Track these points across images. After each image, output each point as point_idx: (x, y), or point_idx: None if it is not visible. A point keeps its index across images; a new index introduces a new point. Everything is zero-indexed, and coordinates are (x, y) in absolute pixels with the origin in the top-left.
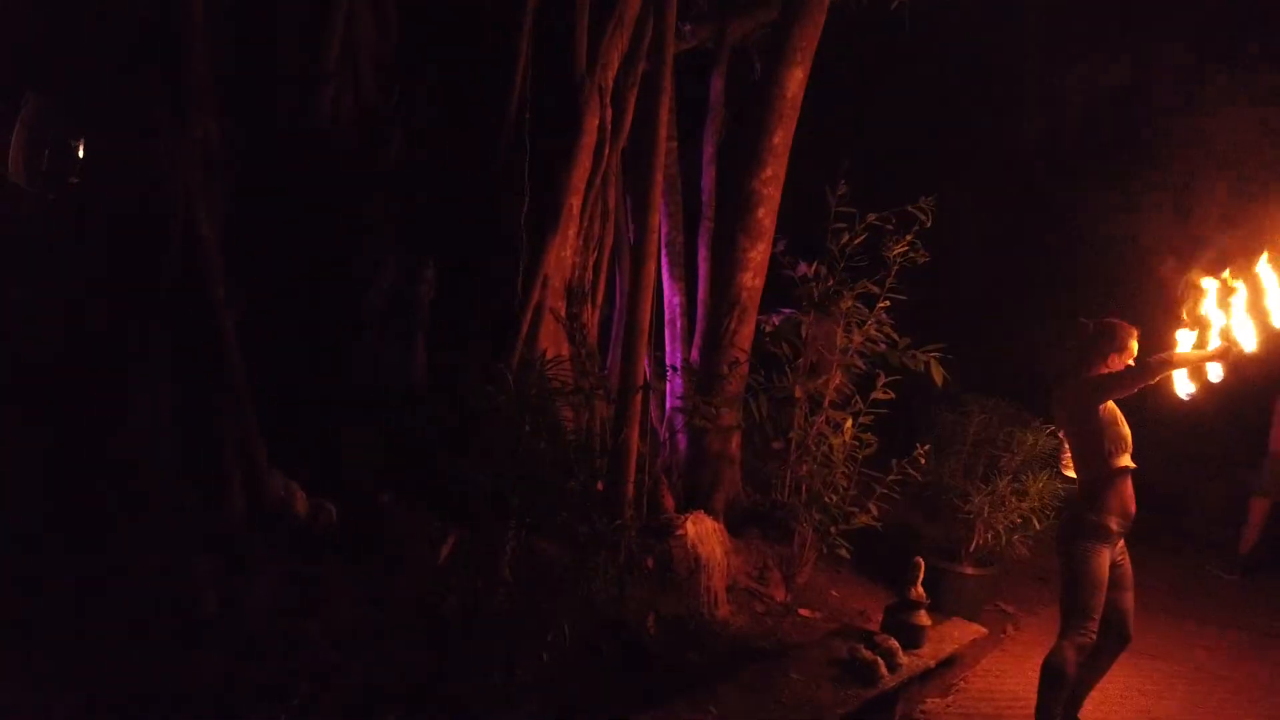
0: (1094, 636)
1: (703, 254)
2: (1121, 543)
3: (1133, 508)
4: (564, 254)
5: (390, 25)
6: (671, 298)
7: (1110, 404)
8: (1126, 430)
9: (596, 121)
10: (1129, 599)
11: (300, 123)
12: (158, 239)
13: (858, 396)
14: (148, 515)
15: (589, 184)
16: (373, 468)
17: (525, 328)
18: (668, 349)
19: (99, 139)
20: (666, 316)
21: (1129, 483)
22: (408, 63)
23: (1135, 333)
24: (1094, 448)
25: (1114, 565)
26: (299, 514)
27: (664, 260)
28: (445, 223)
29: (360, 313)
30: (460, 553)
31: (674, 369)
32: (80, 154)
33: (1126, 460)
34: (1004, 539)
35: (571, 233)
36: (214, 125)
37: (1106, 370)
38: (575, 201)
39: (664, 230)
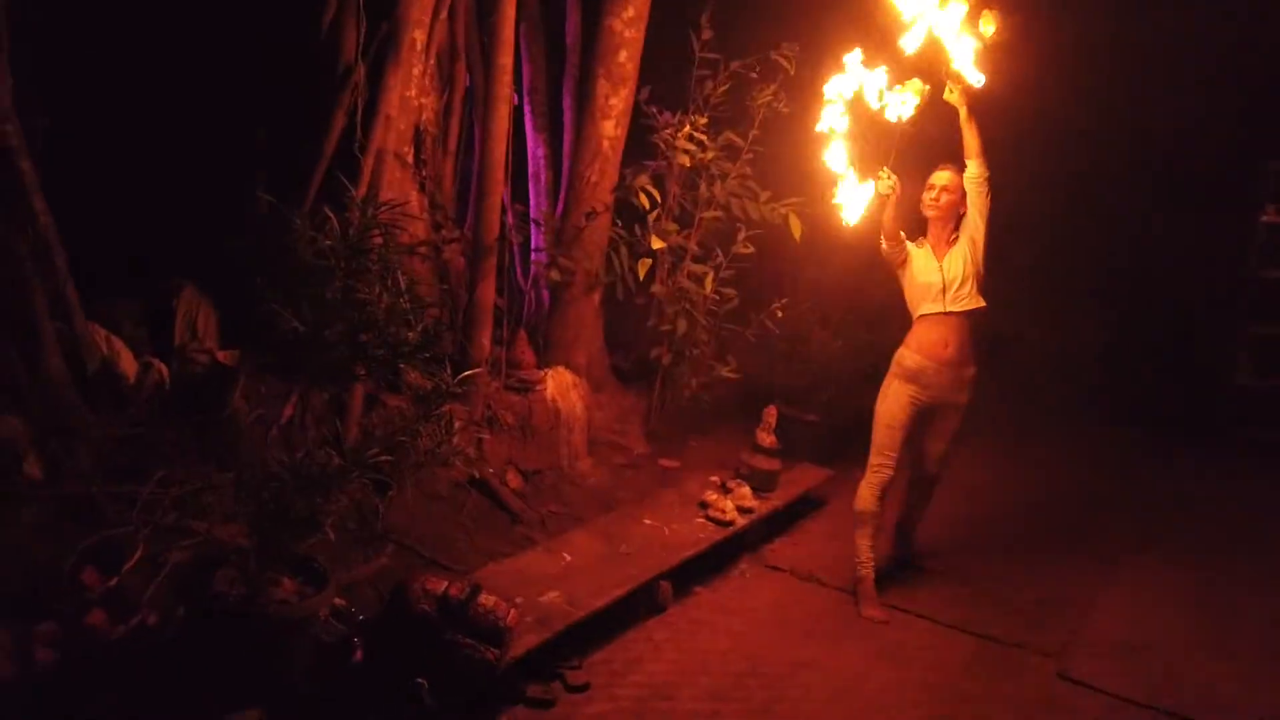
0: (889, 471)
1: (567, 102)
2: (950, 399)
3: (942, 351)
4: (408, 93)
5: None
6: (535, 149)
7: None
8: (936, 279)
9: None
10: (937, 447)
11: None
12: None
13: (719, 250)
14: None
15: (434, 16)
16: (210, 324)
17: (367, 173)
18: (532, 203)
19: None
20: (530, 169)
21: (934, 327)
22: None
23: (929, 181)
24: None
25: (931, 412)
26: (124, 374)
27: (527, 109)
28: (280, 59)
29: (192, 153)
30: (304, 411)
31: (536, 223)
32: None
33: (927, 308)
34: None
35: (416, 71)
36: None
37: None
38: (419, 36)
39: (527, 76)
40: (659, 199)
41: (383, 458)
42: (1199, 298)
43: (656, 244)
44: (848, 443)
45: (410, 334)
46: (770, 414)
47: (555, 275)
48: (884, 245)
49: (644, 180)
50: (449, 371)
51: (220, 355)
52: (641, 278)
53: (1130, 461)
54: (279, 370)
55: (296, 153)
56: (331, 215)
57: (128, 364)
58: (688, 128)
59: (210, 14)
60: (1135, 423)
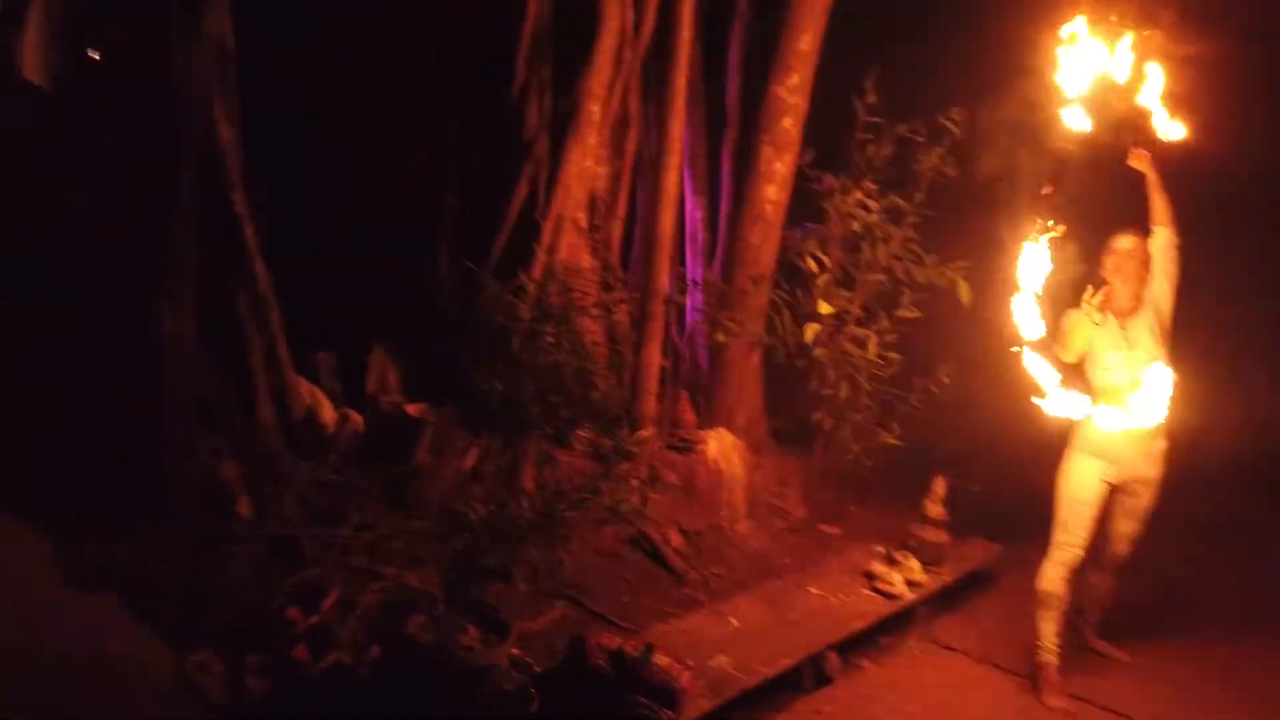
0: (1077, 552)
1: (726, 166)
2: (1140, 474)
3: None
4: (585, 163)
5: None
6: (693, 211)
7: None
8: (1120, 348)
9: (617, 24)
10: (1126, 527)
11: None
12: (176, 144)
13: (882, 313)
14: (176, 423)
15: (610, 89)
16: (399, 378)
17: (547, 238)
18: (689, 263)
19: (113, 38)
20: (688, 231)
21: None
22: None
23: (1112, 246)
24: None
25: (1119, 488)
26: (325, 424)
27: (686, 172)
28: (468, 131)
29: (384, 219)
30: (484, 463)
31: (695, 283)
32: (91, 54)
33: (1111, 378)
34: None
35: (593, 141)
36: (228, 21)
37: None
38: (595, 108)
39: (686, 140)
40: (827, 264)
41: (569, 513)
42: None
43: (824, 309)
44: (1019, 516)
45: (594, 395)
46: (939, 484)
47: (720, 337)
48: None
49: (812, 245)
50: (625, 431)
51: (409, 408)
52: (809, 342)
53: None
54: (461, 422)
55: (481, 219)
56: (524, 279)
57: (327, 414)
58: (858, 193)
59: (403, 92)
60: None
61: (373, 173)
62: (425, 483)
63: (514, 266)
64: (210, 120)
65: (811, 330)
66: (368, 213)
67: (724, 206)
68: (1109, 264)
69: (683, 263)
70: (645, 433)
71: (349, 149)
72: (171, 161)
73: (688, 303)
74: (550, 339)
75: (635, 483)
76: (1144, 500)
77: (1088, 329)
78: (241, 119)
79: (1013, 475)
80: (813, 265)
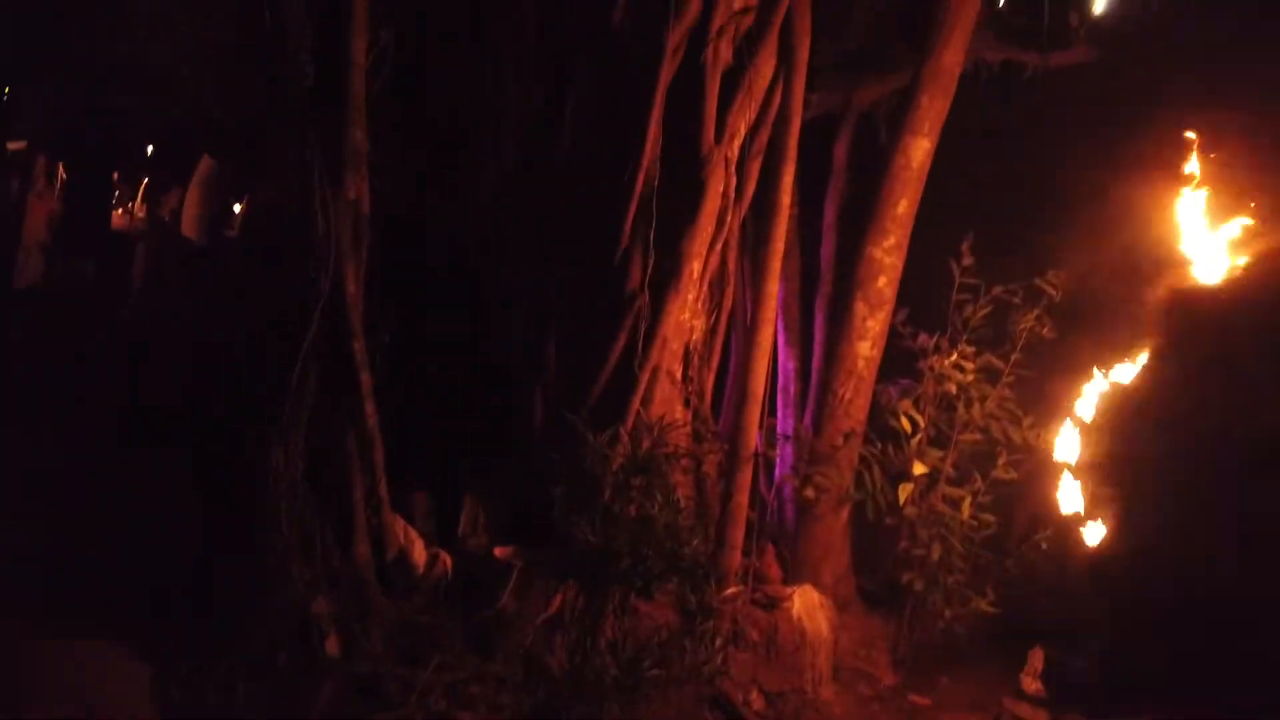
0: None
1: (819, 320)
2: None
3: None
4: (683, 317)
5: (534, 95)
6: (786, 363)
7: None
8: None
9: (720, 189)
10: None
11: (444, 187)
12: (310, 295)
13: (977, 474)
14: (274, 555)
15: (710, 248)
16: (489, 520)
17: (642, 388)
18: (779, 415)
19: (262, 196)
20: (779, 383)
21: None
22: (545, 131)
23: None
24: None
25: None
26: (416, 563)
27: (780, 325)
28: (573, 283)
29: (487, 368)
30: (568, 610)
31: (786, 437)
32: (237, 210)
33: None
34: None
35: (691, 296)
36: (365, 187)
37: None
38: (696, 266)
39: (781, 295)
40: (921, 423)
41: (652, 671)
42: None
43: (919, 469)
44: (1125, 696)
45: (685, 550)
46: (1036, 657)
47: (810, 493)
48: None
49: (907, 405)
50: (713, 588)
51: (497, 551)
52: (902, 502)
53: None
54: (548, 569)
55: (580, 369)
56: (623, 434)
57: (419, 554)
58: (955, 355)
59: (509, 243)
60: None
61: (480, 320)
62: (509, 627)
63: (610, 416)
64: (341, 276)
65: (905, 489)
66: (472, 357)
67: (816, 360)
68: None
69: (774, 414)
70: (732, 590)
71: (459, 298)
72: (304, 310)
73: (777, 456)
74: (640, 490)
75: (718, 641)
76: None
77: None
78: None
79: (1124, 654)
80: (905, 424)
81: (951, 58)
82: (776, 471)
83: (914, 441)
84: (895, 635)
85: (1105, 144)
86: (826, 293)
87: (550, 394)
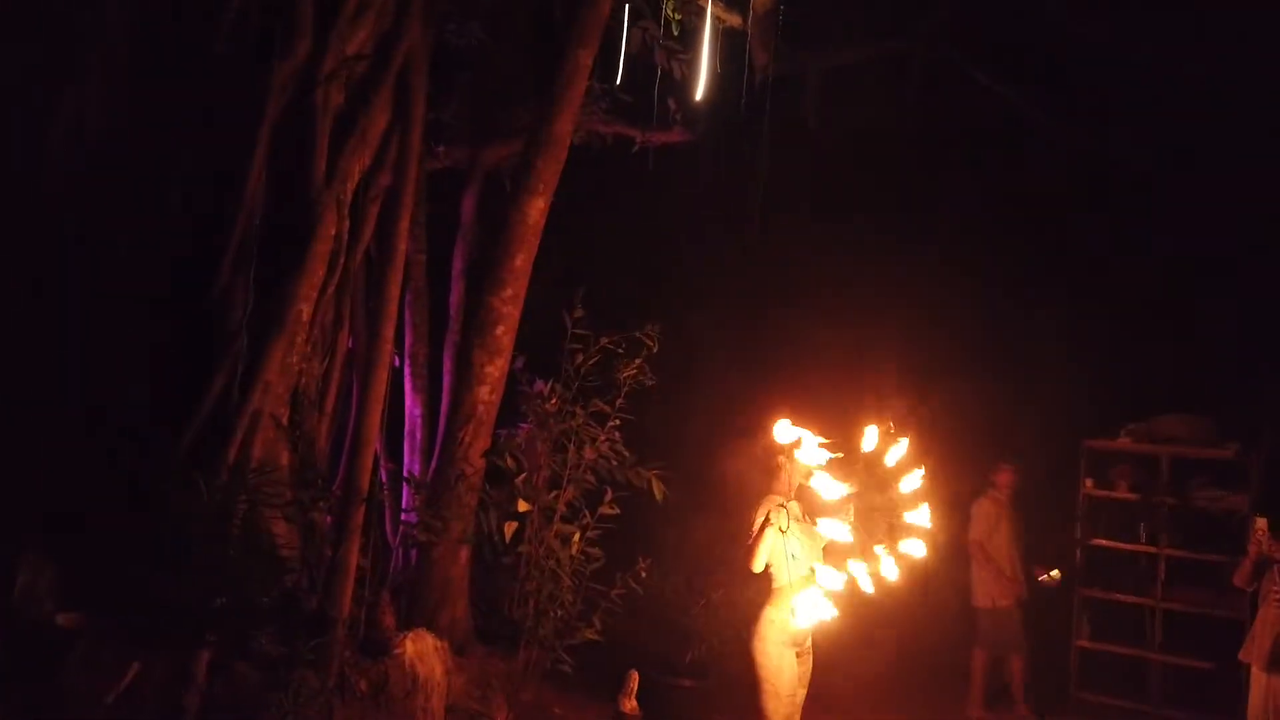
0: None
1: (447, 366)
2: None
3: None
4: (290, 360)
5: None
6: (413, 409)
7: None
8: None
9: (332, 231)
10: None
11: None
12: None
13: (586, 511)
14: None
15: (321, 291)
16: (49, 586)
17: (240, 434)
18: (406, 460)
19: None
20: (406, 428)
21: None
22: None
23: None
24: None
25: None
26: None
27: (407, 371)
28: (162, 330)
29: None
30: (147, 680)
31: (408, 481)
32: None
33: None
34: (720, 650)
35: (300, 339)
36: None
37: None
38: (306, 309)
39: (409, 341)
40: (524, 464)
41: None
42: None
43: (523, 507)
44: (716, 708)
45: (265, 599)
46: (631, 678)
47: (424, 535)
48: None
49: (517, 444)
50: (304, 637)
51: (61, 617)
52: (508, 540)
53: None
54: (124, 634)
55: (171, 413)
56: (200, 481)
57: None
58: (555, 400)
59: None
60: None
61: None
62: (71, 705)
63: (207, 461)
64: None
65: (510, 528)
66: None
67: (443, 406)
68: None
69: (401, 459)
70: (326, 638)
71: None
72: None
73: (404, 500)
74: (233, 540)
75: (312, 692)
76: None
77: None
78: None
79: (715, 666)
80: (510, 463)
81: (563, 126)
82: (402, 517)
83: (519, 480)
84: (511, 673)
85: (696, 211)
86: (454, 340)
87: (139, 439)
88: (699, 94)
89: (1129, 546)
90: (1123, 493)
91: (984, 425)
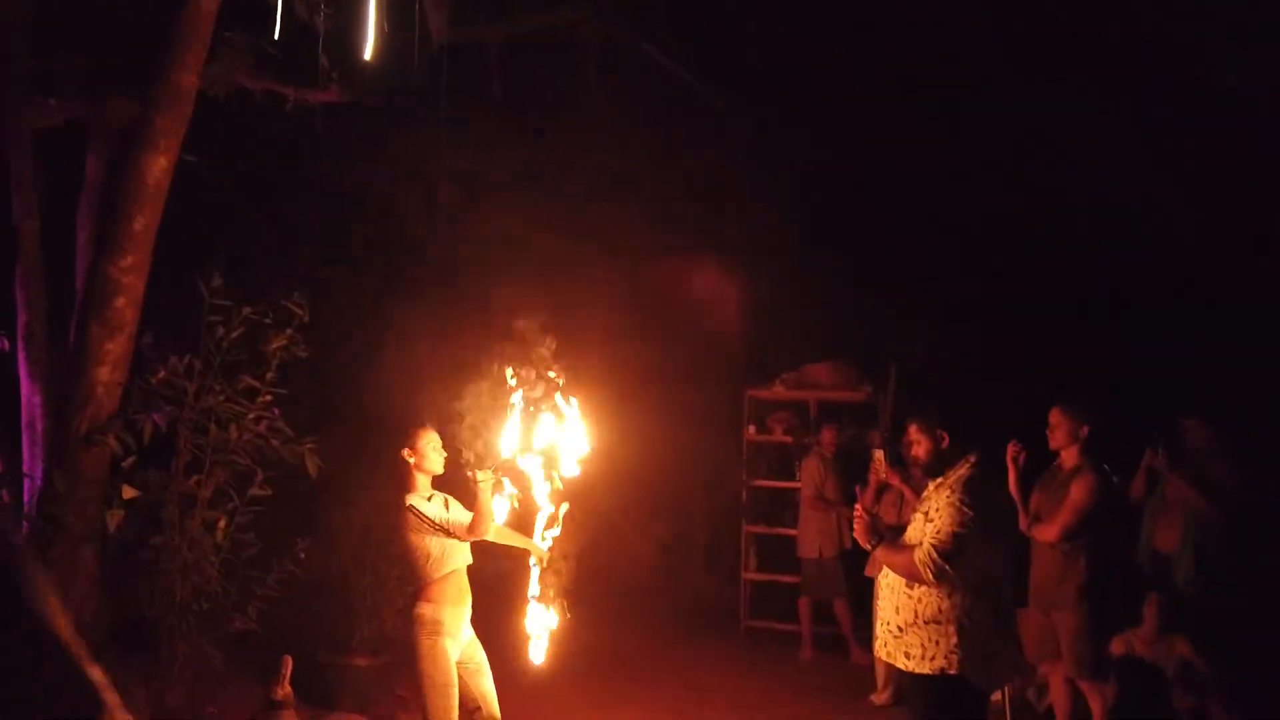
0: None
1: (74, 348)
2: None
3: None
4: None
5: None
6: (31, 397)
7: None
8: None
9: None
10: (487, 683)
11: None
12: None
13: (234, 495)
14: None
15: None
16: None
17: None
18: (25, 454)
19: None
20: (24, 419)
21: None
22: None
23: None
24: None
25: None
26: None
27: (22, 355)
28: None
29: None
30: None
31: (29, 476)
32: None
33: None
34: (395, 624)
35: None
36: None
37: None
38: None
39: (23, 321)
40: (131, 444)
41: None
42: (724, 503)
43: (128, 493)
44: (397, 683)
45: None
46: (286, 664)
47: (34, 538)
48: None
49: (127, 424)
50: None
51: None
52: (112, 529)
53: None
54: None
55: None
56: None
57: None
58: (206, 374)
59: None
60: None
61: None
62: None
63: None
64: None
65: (114, 518)
66: None
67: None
68: None
69: (19, 453)
70: None
71: None
72: None
73: (25, 497)
74: None
75: None
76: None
77: None
78: None
79: (390, 644)
80: (115, 445)
81: (186, 78)
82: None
83: (125, 464)
84: (153, 673)
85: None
86: (79, 321)
87: None
88: (367, 54)
89: (785, 484)
90: (779, 436)
91: (660, 381)
